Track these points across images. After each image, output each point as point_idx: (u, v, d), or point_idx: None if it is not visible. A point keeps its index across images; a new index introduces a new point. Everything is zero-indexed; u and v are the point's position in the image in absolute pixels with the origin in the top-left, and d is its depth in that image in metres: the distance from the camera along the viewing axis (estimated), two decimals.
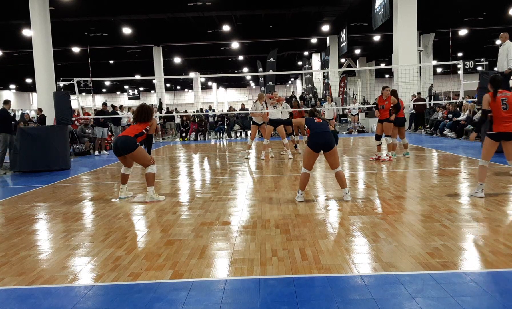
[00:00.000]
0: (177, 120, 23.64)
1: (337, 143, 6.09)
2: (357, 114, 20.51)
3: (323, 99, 23.40)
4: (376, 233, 4.45)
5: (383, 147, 10.55)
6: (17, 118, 27.73)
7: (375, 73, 39.63)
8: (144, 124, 6.58)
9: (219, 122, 21.41)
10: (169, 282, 3.41)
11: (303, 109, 14.47)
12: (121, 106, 19.25)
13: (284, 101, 11.87)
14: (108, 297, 3.21)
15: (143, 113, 6.61)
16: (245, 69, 41.96)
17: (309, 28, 25.86)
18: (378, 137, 10.09)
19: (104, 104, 15.47)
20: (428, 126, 18.06)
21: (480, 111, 6.58)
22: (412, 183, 7.29)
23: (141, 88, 50.53)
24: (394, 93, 9.96)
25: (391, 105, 9.68)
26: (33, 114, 26.28)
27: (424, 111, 18.94)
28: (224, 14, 22.77)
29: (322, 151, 5.92)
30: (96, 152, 14.99)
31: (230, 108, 23.51)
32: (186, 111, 26.44)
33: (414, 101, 17.94)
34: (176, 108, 35.00)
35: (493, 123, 5.87)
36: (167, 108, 28.93)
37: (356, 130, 19.87)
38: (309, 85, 29.28)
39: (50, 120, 11.97)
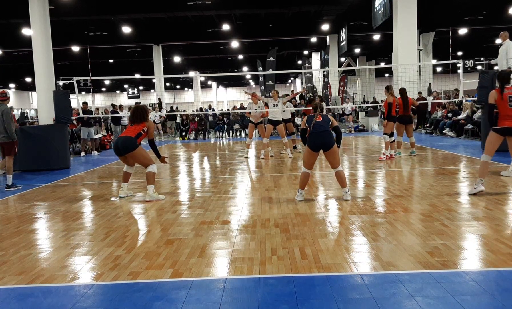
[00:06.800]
0: (177, 119, 23.61)
1: (340, 140, 6.05)
2: (351, 113, 20.48)
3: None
4: (376, 232, 4.45)
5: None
6: (17, 118, 27.65)
7: (375, 72, 39.58)
8: (142, 125, 6.61)
9: (219, 122, 21.38)
10: (169, 281, 3.41)
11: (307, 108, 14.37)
12: (120, 106, 19.21)
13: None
14: (107, 296, 3.21)
15: (138, 114, 6.68)
16: (245, 68, 41.89)
17: (309, 27, 25.81)
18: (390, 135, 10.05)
19: (85, 103, 15.09)
20: (428, 125, 18.06)
21: (480, 110, 6.66)
22: (412, 182, 7.29)
23: (140, 87, 50.49)
24: (401, 92, 9.98)
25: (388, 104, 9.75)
26: (32, 113, 26.21)
27: (425, 110, 18.97)
28: (224, 13, 22.74)
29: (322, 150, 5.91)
30: (83, 154, 14.33)
31: (234, 107, 23.48)
32: (185, 111, 26.43)
33: (417, 100, 17.97)
34: (177, 107, 34.96)
35: (498, 118, 5.95)
36: (171, 107, 28.83)
37: (351, 129, 19.85)
38: (309, 84, 29.24)
39: (48, 119, 11.92)
